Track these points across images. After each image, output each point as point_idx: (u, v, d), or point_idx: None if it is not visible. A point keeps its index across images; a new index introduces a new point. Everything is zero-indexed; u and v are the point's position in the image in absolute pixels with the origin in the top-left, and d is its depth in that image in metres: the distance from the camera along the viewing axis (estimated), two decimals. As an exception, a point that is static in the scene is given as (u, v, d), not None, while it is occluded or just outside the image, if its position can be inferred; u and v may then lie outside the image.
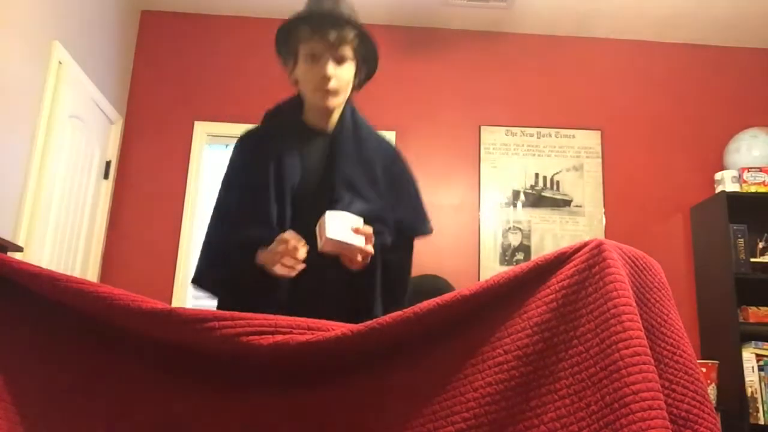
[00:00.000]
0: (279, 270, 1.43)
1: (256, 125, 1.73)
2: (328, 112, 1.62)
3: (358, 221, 1.43)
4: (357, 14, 1.60)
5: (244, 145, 1.67)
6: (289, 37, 1.60)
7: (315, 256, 1.43)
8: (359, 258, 1.44)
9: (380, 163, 1.64)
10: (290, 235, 1.43)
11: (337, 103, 1.60)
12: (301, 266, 1.43)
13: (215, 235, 1.66)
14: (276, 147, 1.59)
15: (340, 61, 1.55)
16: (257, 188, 1.55)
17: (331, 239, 1.38)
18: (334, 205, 1.50)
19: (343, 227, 1.40)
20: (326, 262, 1.45)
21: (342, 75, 1.56)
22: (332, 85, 1.54)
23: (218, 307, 1.60)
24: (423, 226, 1.70)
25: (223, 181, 1.68)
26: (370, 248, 1.44)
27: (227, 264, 1.58)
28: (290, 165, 1.57)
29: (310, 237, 1.43)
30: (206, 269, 1.64)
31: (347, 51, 1.56)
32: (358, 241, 1.41)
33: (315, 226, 1.44)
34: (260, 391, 1.10)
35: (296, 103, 1.68)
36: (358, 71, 1.63)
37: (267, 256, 1.46)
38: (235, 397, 1.09)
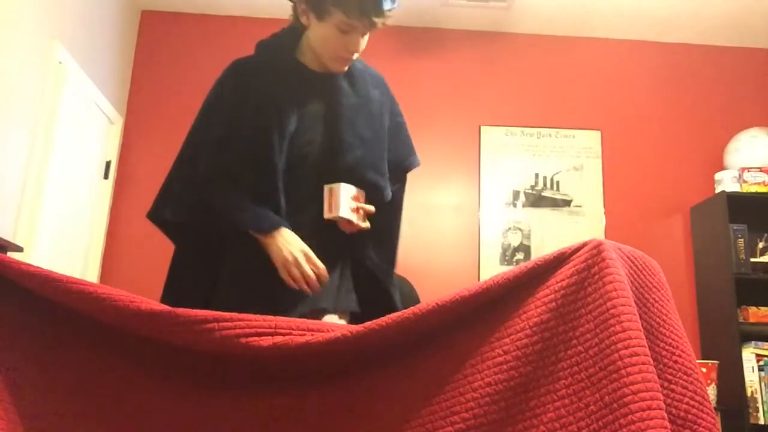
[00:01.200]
0: (285, 276, 1.45)
1: (250, 56, 1.70)
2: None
3: (361, 195, 1.52)
4: None
5: (238, 71, 1.66)
6: (325, 4, 1.53)
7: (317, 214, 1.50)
8: (350, 231, 1.53)
9: (378, 99, 1.66)
10: (322, 270, 1.46)
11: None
12: (308, 292, 1.46)
13: (196, 166, 1.61)
14: (274, 86, 1.58)
15: (364, 34, 1.56)
16: (258, 131, 1.52)
17: (341, 217, 1.47)
18: (344, 156, 1.53)
19: (350, 203, 1.49)
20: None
21: (362, 46, 1.57)
22: (354, 56, 1.57)
23: (176, 256, 1.65)
24: (413, 159, 1.74)
25: (209, 105, 1.68)
26: (367, 225, 1.53)
27: (213, 205, 1.55)
28: (289, 110, 1.55)
29: (312, 189, 1.52)
30: (176, 203, 1.63)
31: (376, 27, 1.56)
32: (360, 220, 1.51)
33: (317, 180, 1.52)
34: (260, 391, 1.10)
35: (293, 38, 1.64)
36: None
37: (278, 254, 1.45)
38: (235, 397, 1.09)
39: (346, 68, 1.59)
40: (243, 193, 1.51)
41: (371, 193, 1.58)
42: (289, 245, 1.45)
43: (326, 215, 1.49)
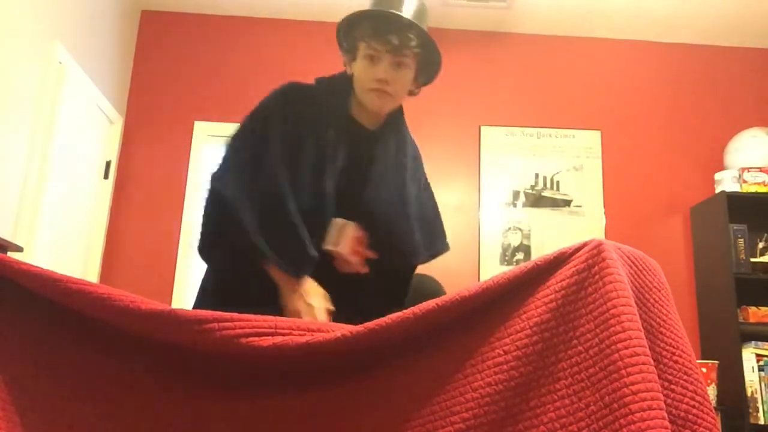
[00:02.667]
0: (290, 308, 1.42)
1: (305, 83, 1.63)
2: (378, 114, 1.59)
3: (363, 237, 1.51)
4: (425, 16, 1.55)
5: (293, 97, 1.57)
6: (350, 31, 1.55)
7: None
8: (346, 270, 1.52)
9: (412, 170, 1.65)
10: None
11: (389, 108, 1.57)
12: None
13: (252, 190, 1.48)
14: (325, 127, 1.54)
15: (398, 65, 1.51)
16: (313, 158, 1.49)
17: (341, 253, 1.47)
18: (366, 215, 1.52)
19: (353, 244, 1.49)
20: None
21: (398, 79, 1.52)
22: (387, 88, 1.51)
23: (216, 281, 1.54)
24: (444, 244, 1.73)
25: (257, 124, 1.57)
26: (362, 268, 1.51)
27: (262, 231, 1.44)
28: (336, 154, 1.52)
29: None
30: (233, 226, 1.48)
31: (408, 56, 1.51)
32: (356, 261, 1.51)
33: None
34: (260, 392, 1.10)
35: (348, 85, 1.60)
36: (417, 76, 1.59)
37: (291, 298, 1.40)
38: (235, 398, 1.09)
39: (385, 104, 1.54)
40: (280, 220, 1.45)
41: (397, 245, 1.56)
42: (311, 298, 1.41)
43: (326, 246, 1.47)
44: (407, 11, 1.50)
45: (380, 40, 1.48)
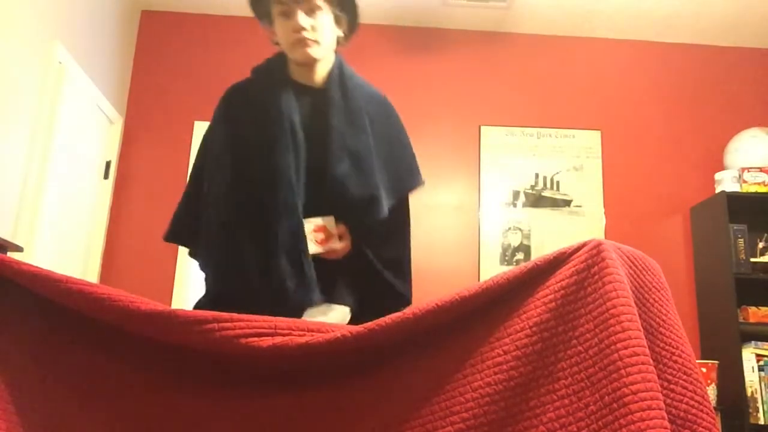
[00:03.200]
0: None
1: (244, 79, 1.69)
2: (312, 65, 1.59)
3: (328, 222, 1.51)
4: None
5: (233, 99, 1.63)
6: (259, 1, 1.59)
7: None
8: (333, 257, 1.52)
9: (373, 116, 1.62)
10: None
11: (319, 55, 1.56)
12: None
13: (206, 193, 1.56)
14: (272, 100, 1.57)
15: (311, 11, 1.52)
16: (266, 140, 1.52)
17: (313, 252, 1.50)
18: (332, 169, 1.50)
19: (314, 237, 1.50)
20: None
21: (317, 24, 1.53)
22: (308, 35, 1.52)
23: (207, 263, 1.54)
24: (415, 180, 1.69)
25: (210, 138, 1.61)
26: (338, 246, 1.51)
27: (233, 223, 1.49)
28: (292, 116, 1.55)
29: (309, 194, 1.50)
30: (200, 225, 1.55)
31: (318, 1, 1.53)
32: (336, 245, 1.52)
33: (311, 192, 1.51)
34: (260, 392, 1.10)
35: (284, 59, 1.65)
36: (338, 19, 1.60)
37: None
38: (235, 398, 1.09)
39: (312, 51, 1.54)
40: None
41: (360, 208, 1.54)
42: None
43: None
44: None
45: None
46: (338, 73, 1.62)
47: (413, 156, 1.71)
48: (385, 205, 1.56)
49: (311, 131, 1.55)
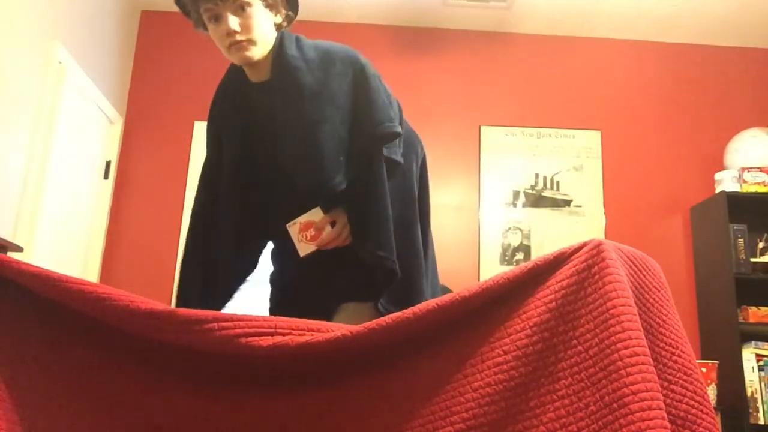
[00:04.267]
0: None
1: (212, 100, 1.70)
2: (256, 63, 1.51)
3: (315, 215, 1.48)
4: None
5: (207, 127, 1.70)
6: (183, 3, 1.51)
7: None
8: (333, 246, 1.49)
9: (319, 81, 1.50)
10: None
11: (258, 54, 1.48)
12: None
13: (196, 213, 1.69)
14: (226, 111, 1.61)
15: (240, 8, 1.43)
16: (214, 163, 1.64)
17: (306, 254, 1.49)
18: (286, 167, 1.50)
19: (303, 235, 1.49)
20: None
21: (247, 23, 1.44)
22: (240, 38, 1.43)
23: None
24: (380, 127, 1.50)
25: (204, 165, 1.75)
26: (338, 231, 1.48)
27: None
28: (232, 134, 1.58)
29: (287, 203, 1.52)
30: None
31: None
32: (329, 234, 1.48)
33: (286, 192, 1.52)
34: (259, 392, 1.10)
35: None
36: (270, 6, 1.49)
37: None
38: (235, 397, 1.09)
39: (249, 53, 1.46)
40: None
41: (319, 194, 1.48)
42: None
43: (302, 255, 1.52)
44: None
45: None
46: (274, 58, 1.52)
47: (380, 105, 1.52)
48: (341, 177, 1.46)
49: (265, 130, 1.55)
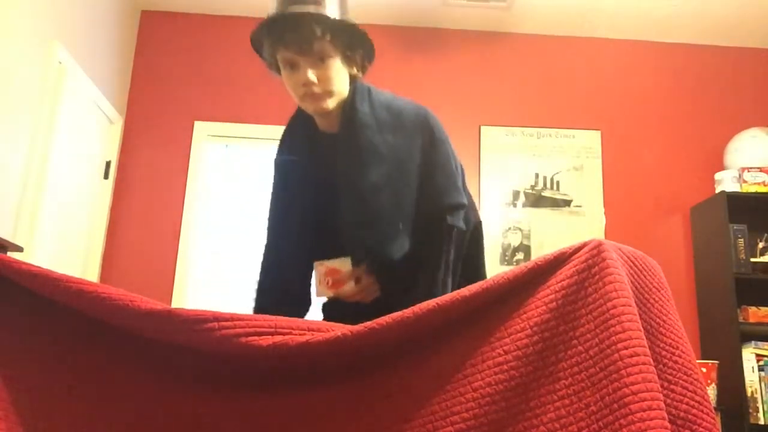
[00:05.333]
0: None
1: (280, 142, 1.66)
2: (328, 114, 1.50)
3: (343, 265, 1.46)
4: None
5: (274, 169, 1.66)
6: (260, 44, 1.49)
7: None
8: (356, 300, 1.47)
9: (389, 144, 1.48)
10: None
11: (332, 105, 1.46)
12: None
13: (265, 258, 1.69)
14: (294, 161, 1.59)
15: (320, 60, 1.41)
16: (282, 214, 1.61)
17: (321, 295, 1.49)
18: (343, 216, 1.47)
19: (325, 279, 1.47)
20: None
21: (325, 74, 1.42)
22: (316, 90, 1.42)
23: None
24: (446, 200, 1.50)
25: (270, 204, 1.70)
26: (359, 290, 1.46)
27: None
28: (305, 181, 1.56)
29: (336, 249, 1.48)
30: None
31: (324, 48, 1.40)
32: (349, 288, 1.46)
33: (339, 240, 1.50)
34: (260, 391, 1.10)
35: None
36: (349, 60, 1.48)
37: None
38: (235, 397, 1.09)
39: (323, 104, 1.45)
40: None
41: (370, 253, 1.45)
42: None
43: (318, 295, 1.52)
44: (307, 2, 1.40)
45: (286, 45, 1.41)
46: (344, 112, 1.50)
47: (448, 174, 1.52)
48: (398, 246, 1.44)
49: (325, 179, 1.53)
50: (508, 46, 4.16)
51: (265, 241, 1.65)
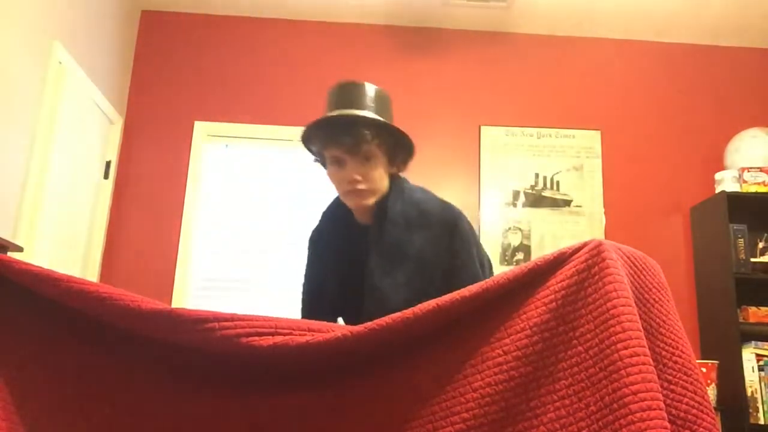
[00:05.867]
0: None
1: (318, 223, 1.77)
2: (367, 209, 1.59)
3: None
4: (383, 99, 1.58)
5: (310, 244, 1.77)
6: (310, 142, 1.61)
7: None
8: None
9: (416, 243, 1.56)
10: None
11: (372, 201, 1.57)
12: None
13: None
14: (330, 249, 1.69)
15: (366, 159, 1.53)
16: (323, 285, 1.69)
17: None
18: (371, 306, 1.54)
19: None
20: None
21: (369, 173, 1.53)
22: (361, 187, 1.53)
23: None
24: None
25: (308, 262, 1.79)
26: None
27: None
28: (334, 259, 1.66)
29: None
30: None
31: (371, 149, 1.52)
32: None
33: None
34: (260, 392, 1.10)
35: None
36: (391, 159, 1.60)
37: None
38: (235, 398, 1.09)
39: (365, 201, 1.55)
40: None
41: None
42: None
43: None
44: (360, 104, 1.53)
45: (335, 145, 1.51)
46: (377, 210, 1.59)
47: (471, 275, 1.59)
48: None
49: (357, 265, 1.61)
50: (508, 46, 4.16)
51: (301, 296, 1.76)
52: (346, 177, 1.53)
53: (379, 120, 1.53)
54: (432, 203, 1.62)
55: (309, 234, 1.78)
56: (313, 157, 1.65)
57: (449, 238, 1.57)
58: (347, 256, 1.63)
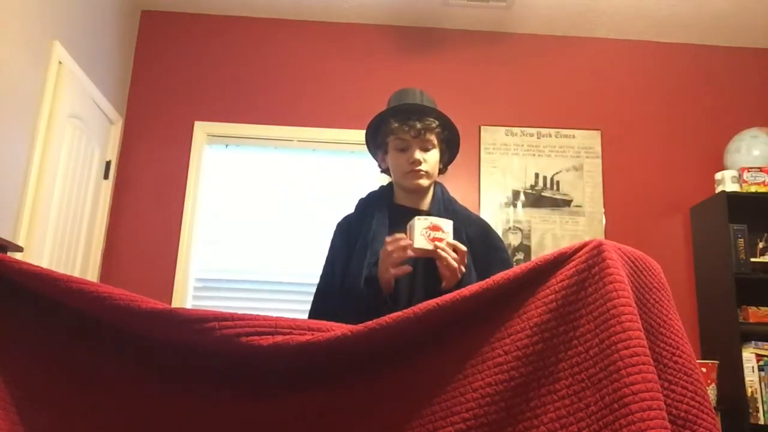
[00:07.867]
0: (393, 271, 1.53)
1: (352, 212, 1.85)
2: (420, 193, 1.80)
3: (445, 225, 1.54)
4: (436, 105, 1.83)
5: (340, 228, 1.84)
6: (377, 130, 1.79)
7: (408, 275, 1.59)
8: (448, 270, 1.51)
9: (472, 237, 1.75)
10: (391, 237, 1.55)
11: (427, 185, 1.78)
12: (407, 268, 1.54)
13: (321, 299, 1.79)
14: (369, 226, 1.75)
15: (426, 148, 1.75)
16: (358, 259, 1.72)
17: (419, 248, 1.50)
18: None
19: (426, 233, 1.52)
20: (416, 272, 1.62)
21: (429, 159, 1.76)
22: (422, 167, 1.73)
23: None
24: None
25: (327, 258, 1.83)
26: (453, 264, 1.51)
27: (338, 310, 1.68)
28: (362, 246, 1.70)
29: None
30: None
31: (432, 138, 1.76)
32: (446, 250, 1.51)
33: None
34: (259, 391, 1.10)
35: (387, 189, 1.87)
36: (441, 156, 1.83)
37: (381, 265, 1.57)
38: (235, 397, 1.09)
39: (422, 182, 1.75)
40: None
41: None
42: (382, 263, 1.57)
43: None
44: (424, 102, 1.79)
45: (406, 128, 1.71)
46: (441, 198, 1.86)
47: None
48: None
49: None
50: (508, 46, 4.16)
51: (317, 286, 1.79)
52: (409, 158, 1.73)
53: (444, 115, 1.79)
54: (467, 211, 1.89)
55: (338, 222, 1.86)
56: (369, 150, 1.85)
57: (486, 235, 1.81)
58: (382, 237, 1.69)
